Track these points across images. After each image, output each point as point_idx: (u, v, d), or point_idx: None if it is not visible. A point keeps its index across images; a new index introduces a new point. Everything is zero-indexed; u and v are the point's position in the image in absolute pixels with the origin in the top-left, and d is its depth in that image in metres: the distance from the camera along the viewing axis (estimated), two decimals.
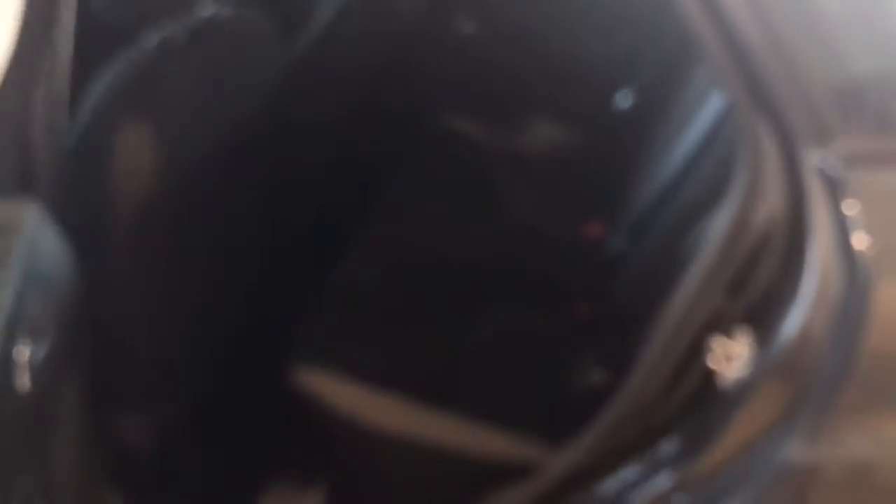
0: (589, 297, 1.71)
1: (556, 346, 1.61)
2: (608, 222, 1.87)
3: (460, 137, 2.15)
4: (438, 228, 1.86)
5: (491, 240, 1.84)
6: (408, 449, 1.42)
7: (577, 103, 2.20)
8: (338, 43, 1.84)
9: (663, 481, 1.12)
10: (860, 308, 1.06)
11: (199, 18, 1.41)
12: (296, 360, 1.49)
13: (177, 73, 1.35)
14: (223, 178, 1.45)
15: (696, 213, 1.47)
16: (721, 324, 1.11)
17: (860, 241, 1.06)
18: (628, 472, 1.17)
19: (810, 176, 1.06)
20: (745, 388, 1.08)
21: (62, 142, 1.20)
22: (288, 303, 1.64)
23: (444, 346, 1.59)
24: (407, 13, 2.13)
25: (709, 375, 1.11)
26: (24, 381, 1.01)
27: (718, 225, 1.19)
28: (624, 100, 2.16)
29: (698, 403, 1.12)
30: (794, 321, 1.07)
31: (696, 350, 1.12)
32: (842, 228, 1.06)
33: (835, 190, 1.07)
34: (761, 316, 1.09)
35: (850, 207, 1.07)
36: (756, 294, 1.10)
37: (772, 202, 1.08)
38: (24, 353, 1.01)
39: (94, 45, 1.27)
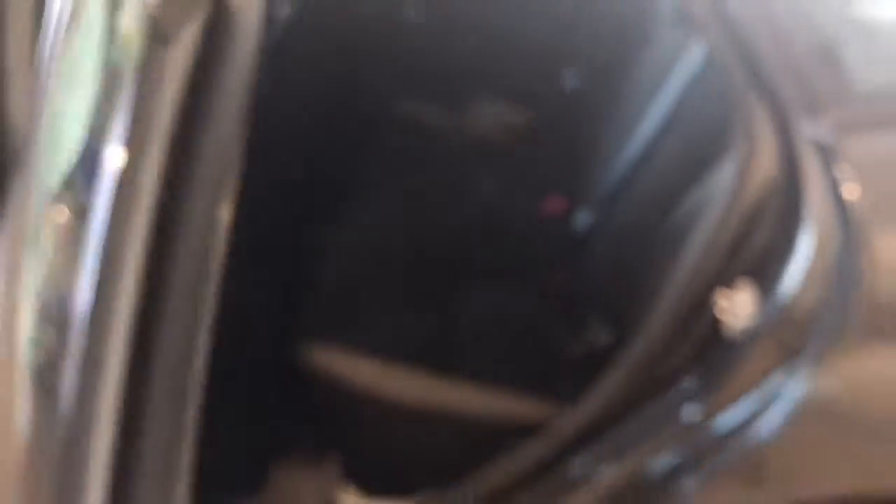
0: (563, 268, 1.81)
1: (543, 315, 1.70)
2: (572, 197, 1.96)
3: (418, 125, 2.21)
4: (410, 216, 1.93)
5: (461, 224, 1.91)
6: (422, 417, 1.50)
7: (524, 84, 2.28)
8: (294, 38, 1.88)
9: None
10: (854, 258, 1.18)
11: None
12: (303, 341, 1.55)
13: None
14: None
15: (664, 185, 1.58)
16: (726, 279, 1.22)
17: (851, 191, 1.18)
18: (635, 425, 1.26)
19: (804, 144, 1.17)
20: (751, 337, 1.20)
21: None
22: (279, 290, 1.69)
23: (439, 324, 1.66)
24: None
25: (716, 326, 1.22)
26: None
27: (711, 190, 1.30)
28: (571, 79, 2.25)
29: (708, 352, 1.23)
30: (794, 274, 1.18)
31: (703, 303, 1.22)
32: (835, 188, 1.17)
33: (828, 156, 1.18)
34: (763, 270, 1.20)
35: (841, 170, 1.19)
36: (757, 250, 1.21)
37: (767, 167, 1.19)
38: None
39: None
